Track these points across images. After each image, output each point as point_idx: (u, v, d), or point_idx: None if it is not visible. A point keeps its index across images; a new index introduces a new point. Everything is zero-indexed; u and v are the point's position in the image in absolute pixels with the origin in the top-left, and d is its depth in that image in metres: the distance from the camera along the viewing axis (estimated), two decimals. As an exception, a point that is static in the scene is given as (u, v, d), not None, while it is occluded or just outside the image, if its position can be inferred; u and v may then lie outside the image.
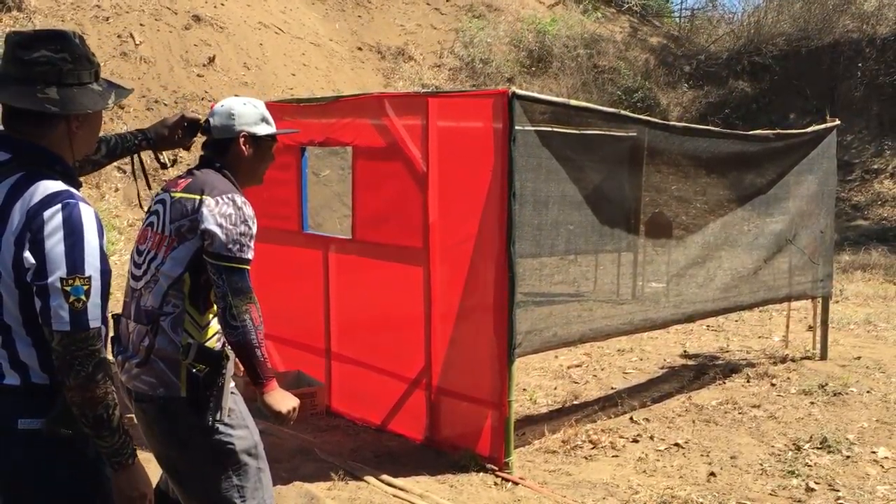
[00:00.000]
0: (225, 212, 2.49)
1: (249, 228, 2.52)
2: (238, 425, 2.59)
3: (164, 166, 2.95)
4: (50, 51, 1.98)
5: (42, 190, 1.94)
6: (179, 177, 2.68)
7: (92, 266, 1.93)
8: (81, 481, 2.07)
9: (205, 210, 2.49)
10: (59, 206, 1.91)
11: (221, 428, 2.53)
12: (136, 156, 2.83)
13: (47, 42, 1.99)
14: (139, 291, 2.59)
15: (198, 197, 2.52)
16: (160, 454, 2.66)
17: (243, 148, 2.68)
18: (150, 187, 2.84)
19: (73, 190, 1.99)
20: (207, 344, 2.54)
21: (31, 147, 2.01)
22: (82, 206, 1.95)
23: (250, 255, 2.52)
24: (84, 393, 1.94)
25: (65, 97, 1.98)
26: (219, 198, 2.52)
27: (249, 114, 2.69)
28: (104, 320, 2.02)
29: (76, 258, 1.91)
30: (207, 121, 2.74)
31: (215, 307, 2.52)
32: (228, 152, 2.69)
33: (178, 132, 2.82)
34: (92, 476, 2.08)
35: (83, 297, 1.92)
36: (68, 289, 1.90)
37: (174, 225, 2.53)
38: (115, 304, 2.31)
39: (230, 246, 2.46)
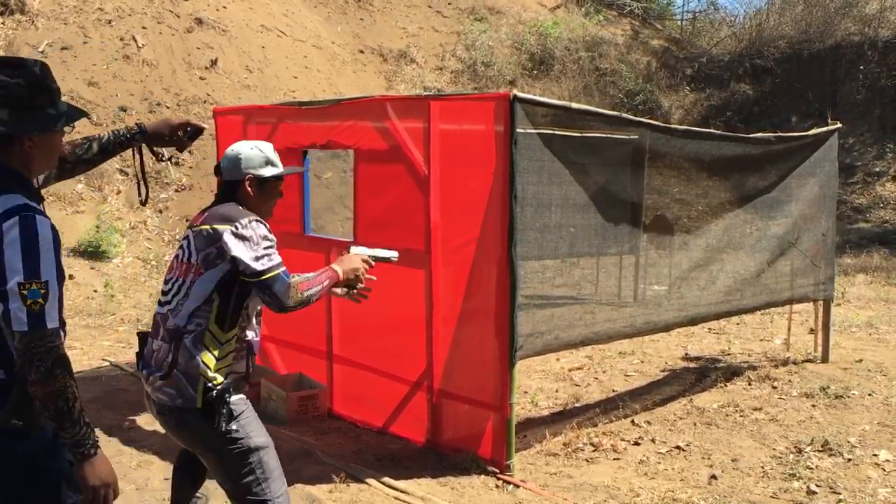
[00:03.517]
0: (244, 235, 2.77)
1: (268, 240, 2.80)
2: (249, 426, 2.84)
3: (160, 158, 3.10)
4: (6, 76, 2.15)
5: (1, 204, 2.10)
6: (199, 213, 2.96)
7: (48, 272, 2.08)
8: (39, 471, 2.22)
9: (226, 238, 2.76)
10: (16, 217, 2.08)
11: (234, 433, 2.78)
12: (139, 158, 2.98)
13: (5, 68, 2.16)
14: (165, 315, 2.85)
15: (219, 227, 2.79)
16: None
17: (248, 189, 2.93)
18: (147, 188, 3.05)
19: (30, 203, 2.14)
20: (224, 360, 2.80)
21: None
22: (38, 217, 2.10)
23: (277, 258, 2.79)
24: (45, 387, 2.08)
25: (15, 119, 2.14)
26: (236, 224, 2.79)
27: (255, 157, 2.95)
28: (62, 322, 2.17)
29: (33, 264, 2.06)
30: (219, 164, 3.00)
31: (236, 329, 2.82)
32: (237, 193, 2.94)
33: (178, 133, 2.98)
34: (51, 465, 2.23)
35: (40, 300, 2.07)
36: (25, 292, 2.05)
37: (202, 254, 2.80)
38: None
39: (257, 264, 2.74)
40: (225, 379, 2.77)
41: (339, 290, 3.12)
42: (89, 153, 2.76)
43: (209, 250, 2.77)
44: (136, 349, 2.96)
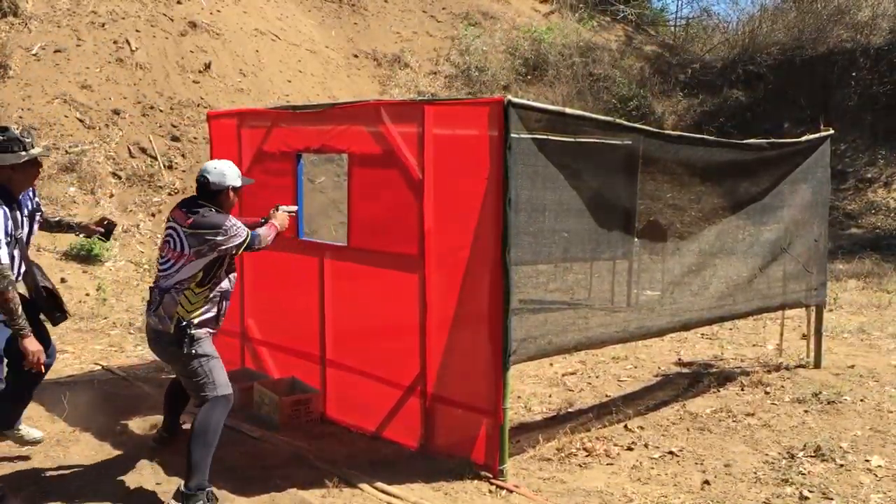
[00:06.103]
0: (229, 233, 4.02)
1: (237, 228, 4.04)
2: (202, 347, 4.07)
3: (92, 235, 4.77)
4: None
5: None
6: (183, 212, 4.08)
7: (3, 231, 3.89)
8: None
9: (219, 240, 3.98)
10: None
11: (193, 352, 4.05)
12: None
13: None
14: (159, 278, 4.10)
15: (209, 232, 3.96)
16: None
17: (231, 196, 4.20)
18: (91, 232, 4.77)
19: None
20: (195, 306, 4.02)
21: None
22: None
23: (244, 229, 4.08)
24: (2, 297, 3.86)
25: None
26: (223, 229, 4.00)
27: (231, 173, 4.18)
28: (11, 258, 3.99)
29: None
30: (203, 176, 4.16)
31: (208, 286, 4.04)
32: (217, 199, 4.14)
33: (100, 227, 4.59)
34: None
35: None
36: None
37: (194, 250, 3.97)
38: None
39: (239, 239, 4.03)
40: (193, 319, 3.99)
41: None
42: (53, 220, 4.56)
43: (201, 248, 3.95)
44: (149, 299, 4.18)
